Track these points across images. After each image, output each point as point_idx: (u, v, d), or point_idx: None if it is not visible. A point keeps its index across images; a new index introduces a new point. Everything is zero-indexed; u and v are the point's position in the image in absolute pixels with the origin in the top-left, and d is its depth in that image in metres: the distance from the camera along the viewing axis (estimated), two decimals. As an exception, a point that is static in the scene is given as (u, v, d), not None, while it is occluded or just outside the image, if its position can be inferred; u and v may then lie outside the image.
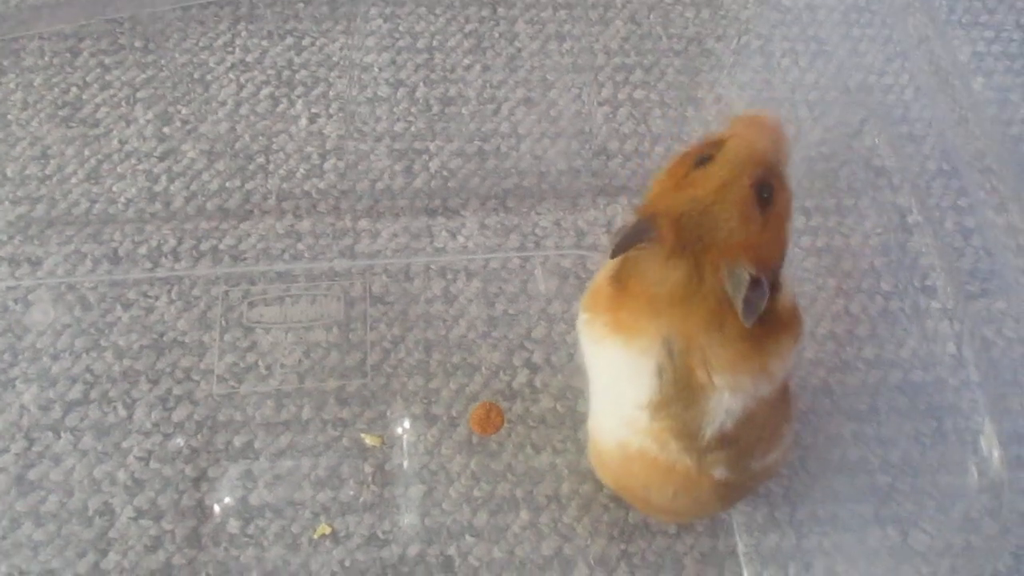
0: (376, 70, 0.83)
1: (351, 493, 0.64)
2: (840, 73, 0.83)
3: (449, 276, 0.73)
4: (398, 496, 0.64)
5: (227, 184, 0.76)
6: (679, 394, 0.48)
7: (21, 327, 0.69)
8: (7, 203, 0.75)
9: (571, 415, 0.67)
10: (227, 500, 0.63)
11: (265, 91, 0.81)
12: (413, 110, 0.81)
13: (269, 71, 0.82)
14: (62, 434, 0.65)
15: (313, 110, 0.80)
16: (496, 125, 0.80)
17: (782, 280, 0.50)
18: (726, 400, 0.48)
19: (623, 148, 0.80)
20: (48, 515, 0.62)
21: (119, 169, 0.77)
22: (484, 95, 0.82)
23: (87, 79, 0.81)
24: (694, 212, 0.47)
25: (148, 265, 0.72)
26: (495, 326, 0.71)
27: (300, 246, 0.74)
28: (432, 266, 0.73)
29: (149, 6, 0.84)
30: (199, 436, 0.65)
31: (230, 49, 0.83)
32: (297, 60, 0.83)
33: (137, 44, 0.83)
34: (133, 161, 0.77)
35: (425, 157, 0.78)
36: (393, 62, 0.83)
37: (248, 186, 0.76)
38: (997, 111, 0.82)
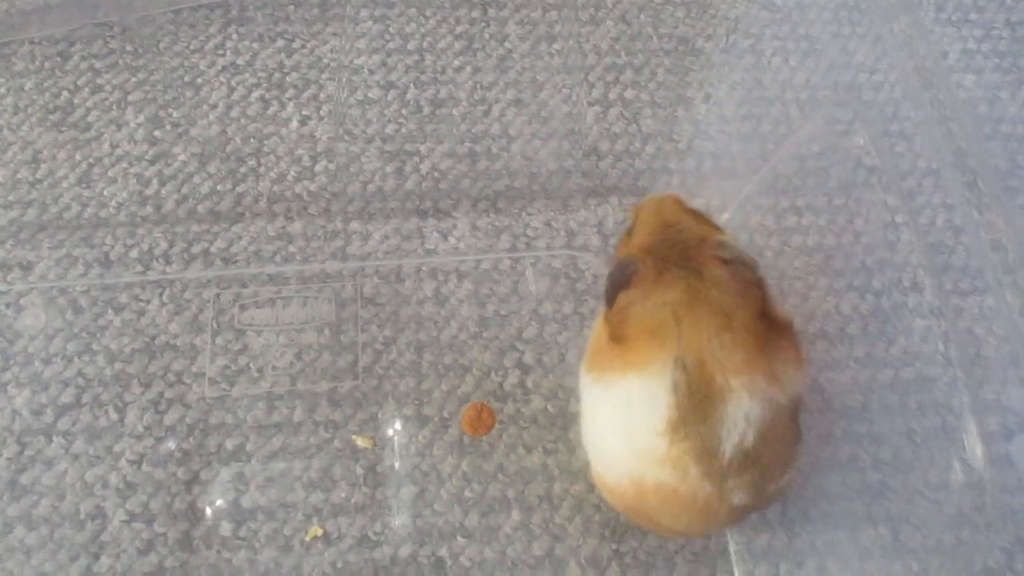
0: (367, 72, 0.83)
1: (343, 495, 0.64)
2: (830, 72, 0.83)
3: (440, 277, 0.73)
4: (390, 497, 0.64)
5: (218, 187, 0.76)
6: (696, 407, 0.49)
7: (12, 332, 0.69)
8: (-2, 207, 0.75)
9: (562, 415, 0.67)
10: (219, 503, 0.63)
11: (256, 94, 0.81)
12: (404, 112, 0.81)
13: (260, 73, 0.82)
14: (54, 438, 0.65)
15: (304, 112, 0.80)
16: (487, 126, 0.80)
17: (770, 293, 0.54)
18: (744, 403, 0.49)
19: (614, 148, 0.80)
20: (40, 519, 0.62)
21: (110, 173, 0.77)
22: (475, 96, 0.82)
23: (78, 83, 0.81)
24: (661, 239, 0.55)
25: (139, 268, 0.72)
26: (486, 327, 0.71)
27: (291, 248, 0.74)
28: (423, 267, 0.73)
29: (139, 10, 0.84)
30: (191, 439, 0.65)
31: (221, 52, 0.83)
32: (288, 62, 0.83)
33: (128, 48, 0.83)
34: (124, 164, 0.77)
35: (416, 159, 0.78)
36: (384, 64, 0.84)
37: (239, 189, 0.76)
38: (988, 109, 0.83)
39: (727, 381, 0.49)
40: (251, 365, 0.69)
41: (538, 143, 0.80)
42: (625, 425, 0.52)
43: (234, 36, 0.84)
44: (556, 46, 0.85)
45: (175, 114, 0.80)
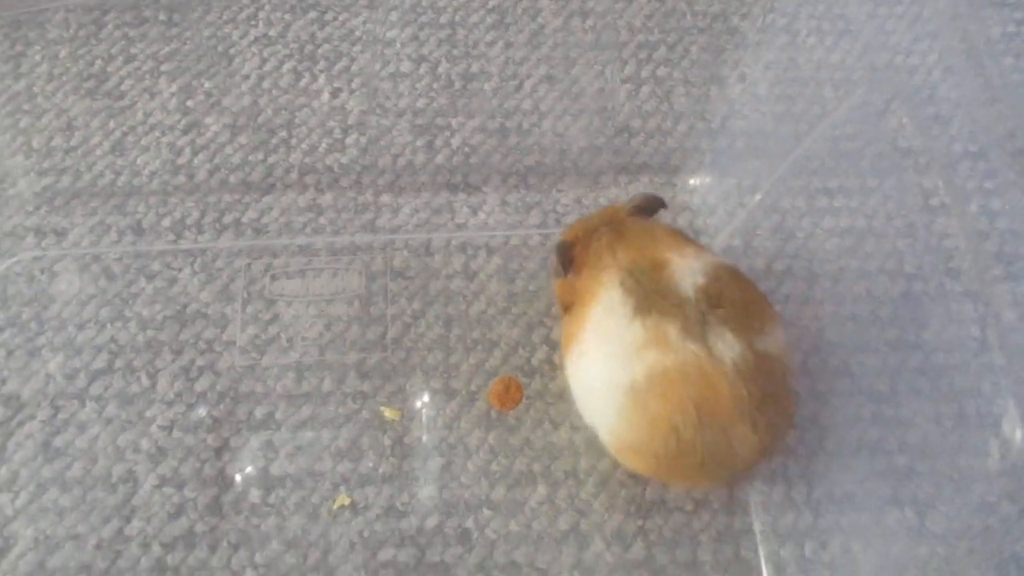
0: (398, 45, 0.83)
1: (370, 465, 0.64)
2: (866, 53, 0.82)
3: (469, 252, 0.73)
4: (417, 469, 0.64)
5: (250, 157, 0.77)
6: (649, 286, 0.55)
7: (47, 297, 0.70)
8: (33, 174, 0.75)
9: (590, 392, 0.67)
10: (248, 470, 0.64)
11: (288, 65, 0.81)
12: (435, 86, 0.81)
13: (292, 45, 0.82)
14: (87, 402, 0.66)
15: (335, 85, 0.80)
16: (518, 102, 0.80)
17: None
18: (683, 262, 0.56)
19: (645, 126, 0.79)
20: (73, 481, 0.63)
21: (143, 142, 0.77)
22: (506, 71, 0.82)
23: (112, 51, 0.81)
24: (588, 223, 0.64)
25: (172, 237, 0.73)
26: (515, 302, 0.71)
27: (322, 220, 0.74)
28: (453, 241, 0.73)
29: (173, -21, 0.84)
30: (221, 406, 0.66)
31: (253, 23, 0.84)
32: (320, 35, 0.83)
33: (161, 17, 0.83)
34: (157, 134, 0.78)
35: (447, 133, 0.78)
36: (416, 37, 0.83)
37: (271, 160, 0.77)
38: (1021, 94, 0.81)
39: (663, 256, 0.57)
40: (281, 335, 0.69)
41: (569, 119, 0.79)
42: (604, 343, 0.56)
43: (267, 7, 0.85)
44: (589, 22, 0.85)
45: (207, 84, 0.80)
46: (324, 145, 0.77)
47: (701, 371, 0.52)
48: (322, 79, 0.81)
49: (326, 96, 0.80)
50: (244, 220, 0.74)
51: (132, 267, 0.71)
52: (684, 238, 0.61)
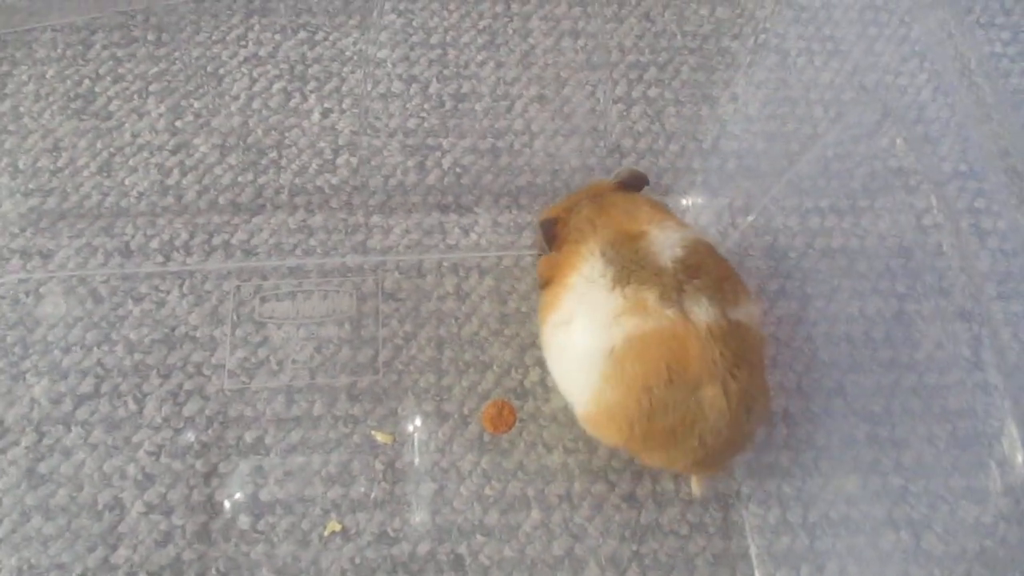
0: (389, 65, 0.82)
1: (362, 490, 0.63)
2: (856, 73, 0.82)
3: (461, 273, 0.72)
4: (409, 494, 0.63)
5: (239, 178, 0.76)
6: (627, 256, 0.57)
7: (32, 320, 0.69)
8: (19, 195, 0.74)
9: (583, 414, 0.66)
10: (237, 496, 0.63)
11: (278, 85, 0.81)
12: (426, 106, 0.80)
13: (282, 65, 0.82)
14: (72, 428, 0.65)
15: (326, 105, 0.80)
16: (509, 122, 0.80)
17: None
18: (661, 233, 0.58)
19: (637, 146, 0.79)
20: (58, 508, 0.62)
21: (131, 162, 0.76)
22: (498, 92, 0.81)
23: (100, 71, 0.81)
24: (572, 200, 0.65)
25: (160, 259, 0.72)
26: (507, 323, 0.70)
27: (312, 241, 0.73)
28: (444, 262, 0.73)
29: (162, -1, 0.84)
30: (210, 431, 0.65)
31: (243, 43, 0.83)
32: (310, 54, 0.83)
33: (150, 37, 0.83)
34: (145, 154, 0.77)
35: (438, 153, 0.78)
36: (406, 57, 0.83)
37: (260, 180, 0.76)
38: (1014, 113, 0.82)
39: (642, 228, 0.58)
40: (271, 358, 0.68)
41: (561, 139, 0.79)
42: (585, 312, 0.56)
43: (256, 27, 0.84)
44: (580, 42, 0.85)
45: (196, 104, 0.79)
46: (314, 166, 0.77)
47: (675, 334, 0.53)
48: (312, 99, 0.80)
49: (316, 116, 0.79)
50: (233, 241, 0.73)
51: (119, 289, 0.71)
52: (665, 211, 0.63)
